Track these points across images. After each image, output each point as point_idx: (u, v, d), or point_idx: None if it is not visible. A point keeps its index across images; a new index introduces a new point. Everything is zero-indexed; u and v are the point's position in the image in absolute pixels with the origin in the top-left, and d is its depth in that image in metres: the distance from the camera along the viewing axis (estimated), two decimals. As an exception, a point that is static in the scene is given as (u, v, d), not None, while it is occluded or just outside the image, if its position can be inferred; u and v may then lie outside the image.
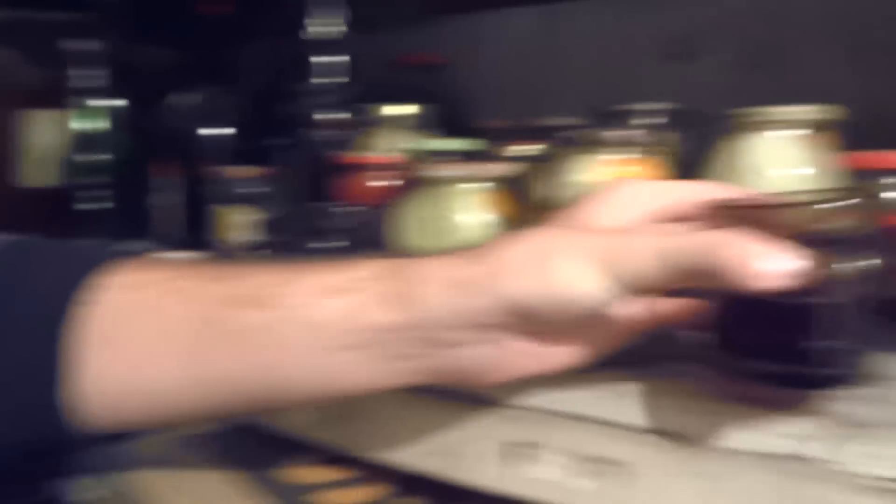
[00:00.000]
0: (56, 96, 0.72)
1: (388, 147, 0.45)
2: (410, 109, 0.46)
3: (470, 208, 0.37)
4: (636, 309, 0.23)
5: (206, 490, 0.33)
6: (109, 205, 0.68)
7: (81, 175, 0.68)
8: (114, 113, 0.70)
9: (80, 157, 0.68)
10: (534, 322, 0.22)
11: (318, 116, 0.48)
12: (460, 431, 0.29)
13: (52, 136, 0.71)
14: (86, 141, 0.68)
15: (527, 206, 0.37)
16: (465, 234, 0.37)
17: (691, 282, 0.21)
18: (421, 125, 0.47)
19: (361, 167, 0.43)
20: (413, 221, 0.38)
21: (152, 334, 0.24)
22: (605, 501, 0.25)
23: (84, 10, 0.78)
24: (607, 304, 0.21)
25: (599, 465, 0.25)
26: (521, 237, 0.23)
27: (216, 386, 0.25)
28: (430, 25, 0.83)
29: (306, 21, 0.51)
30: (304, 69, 0.49)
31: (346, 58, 0.51)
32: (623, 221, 0.24)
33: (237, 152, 0.64)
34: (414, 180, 0.39)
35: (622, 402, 0.25)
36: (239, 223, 0.56)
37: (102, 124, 0.69)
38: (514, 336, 0.23)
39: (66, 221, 0.67)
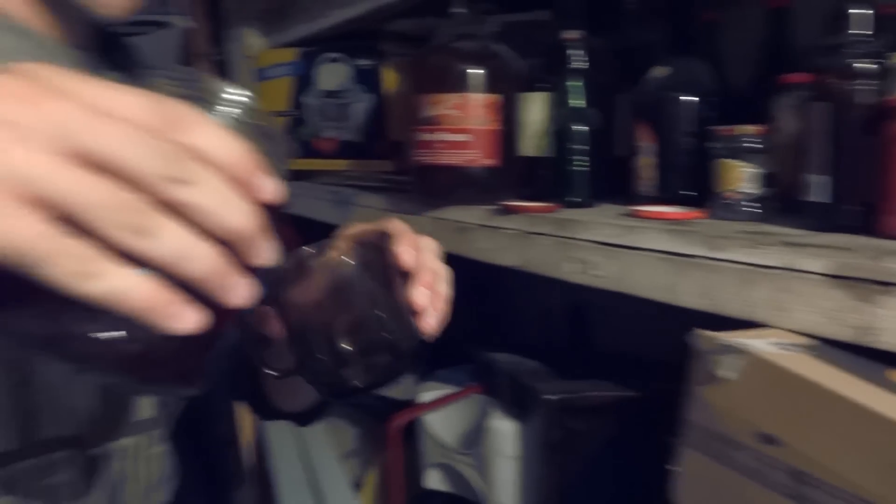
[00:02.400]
0: (542, 80, 0.88)
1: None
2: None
3: None
4: None
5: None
6: (586, 168, 0.81)
7: (565, 144, 0.82)
8: (592, 90, 0.83)
9: (564, 129, 0.82)
10: None
11: (858, 65, 0.51)
12: None
13: (541, 113, 0.88)
14: (568, 115, 0.82)
15: None
16: None
17: None
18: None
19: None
20: None
21: None
22: None
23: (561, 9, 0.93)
24: None
25: None
26: None
27: None
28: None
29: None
30: (839, 24, 0.53)
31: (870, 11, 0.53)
32: None
33: (705, 117, 0.71)
34: None
35: None
36: (741, 177, 0.62)
37: (581, 101, 0.82)
38: None
39: (557, 181, 0.82)
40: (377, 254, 0.37)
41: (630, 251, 0.59)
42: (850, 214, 0.52)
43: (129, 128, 0.22)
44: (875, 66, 0.52)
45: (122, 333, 0.24)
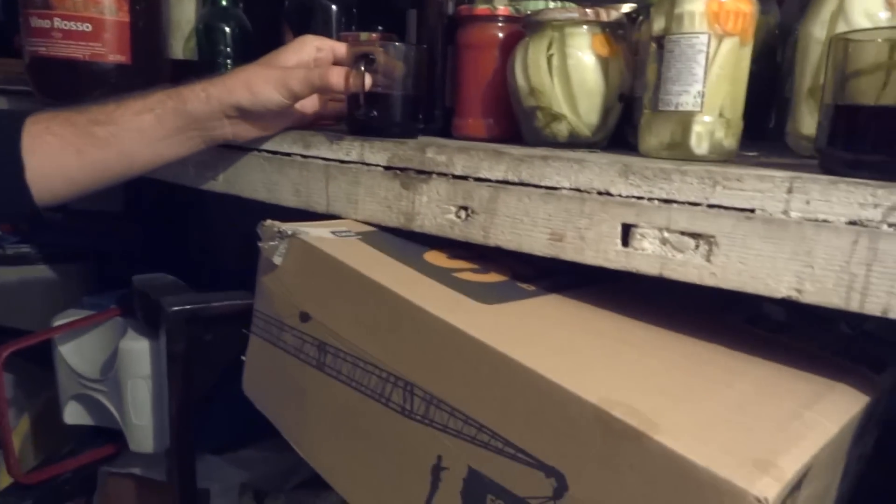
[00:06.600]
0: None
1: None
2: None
3: (581, 48, 0.44)
4: (305, 106, 0.54)
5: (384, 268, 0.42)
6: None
7: (209, 46, 0.77)
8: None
9: (207, 30, 0.76)
10: (249, 113, 0.51)
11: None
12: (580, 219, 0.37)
13: (191, 13, 0.80)
14: (212, 15, 0.77)
15: (626, 46, 0.43)
16: (579, 71, 0.44)
17: (320, 91, 0.52)
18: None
19: (487, 18, 0.50)
20: (531, 61, 0.45)
21: (55, 145, 0.48)
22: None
23: None
24: (283, 104, 0.50)
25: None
26: (241, 70, 0.51)
27: (98, 169, 0.50)
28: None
29: None
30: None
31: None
32: (296, 61, 0.52)
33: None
34: (531, 25, 0.46)
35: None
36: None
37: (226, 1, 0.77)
38: (242, 119, 0.51)
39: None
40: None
41: (240, 151, 0.57)
42: (437, 119, 0.57)
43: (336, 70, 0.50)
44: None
45: None
